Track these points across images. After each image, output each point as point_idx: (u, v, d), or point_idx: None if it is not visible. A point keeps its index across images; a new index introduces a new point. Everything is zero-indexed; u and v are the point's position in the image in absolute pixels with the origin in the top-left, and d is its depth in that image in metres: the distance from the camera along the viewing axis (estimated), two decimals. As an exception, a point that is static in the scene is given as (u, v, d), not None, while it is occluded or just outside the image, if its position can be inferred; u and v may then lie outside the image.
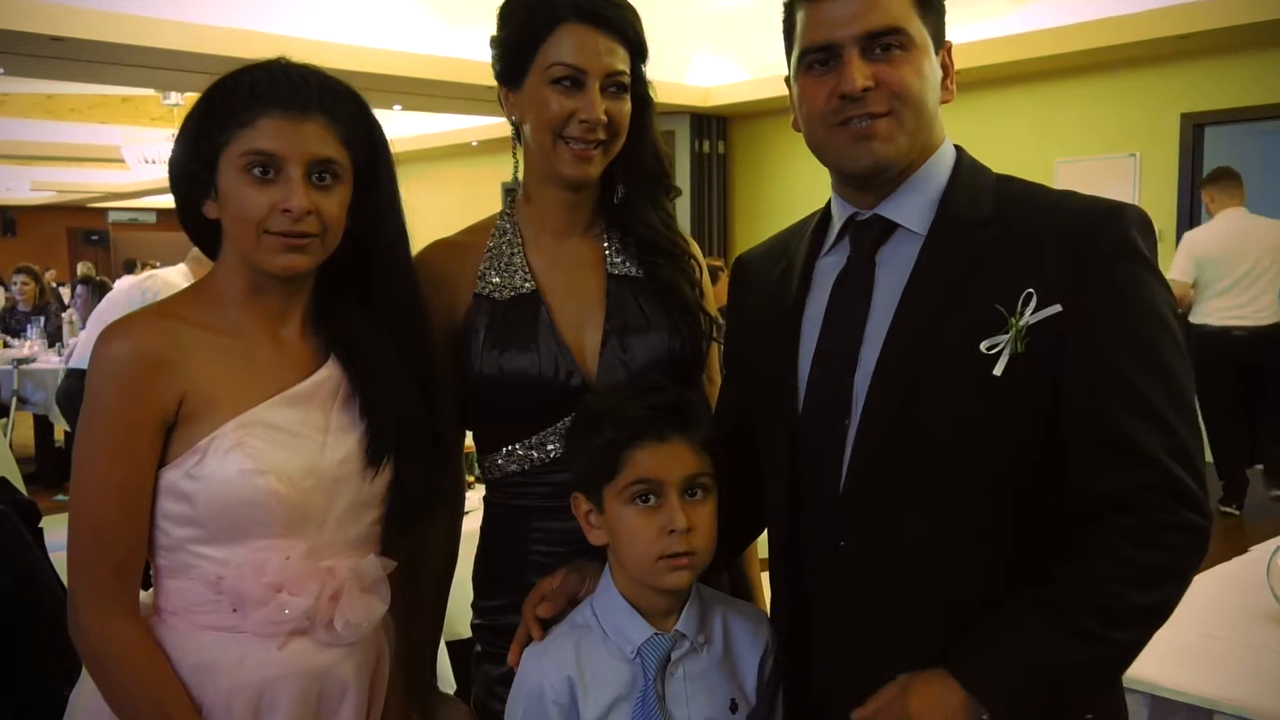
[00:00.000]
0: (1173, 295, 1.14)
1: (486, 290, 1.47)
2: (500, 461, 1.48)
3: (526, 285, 1.47)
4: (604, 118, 1.39)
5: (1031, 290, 1.09)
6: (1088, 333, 1.09)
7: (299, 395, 1.28)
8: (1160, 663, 1.87)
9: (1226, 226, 5.57)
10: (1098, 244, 1.10)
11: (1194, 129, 6.72)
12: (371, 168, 1.31)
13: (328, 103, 1.25)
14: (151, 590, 1.30)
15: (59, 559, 1.88)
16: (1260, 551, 2.45)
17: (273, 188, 1.21)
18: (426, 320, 1.42)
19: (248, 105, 1.22)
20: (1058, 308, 1.09)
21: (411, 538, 1.43)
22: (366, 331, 1.35)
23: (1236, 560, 2.48)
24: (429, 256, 1.47)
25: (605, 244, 1.51)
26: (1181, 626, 2.02)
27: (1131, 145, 6.92)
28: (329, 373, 1.32)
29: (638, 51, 1.45)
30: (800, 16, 1.19)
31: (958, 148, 1.25)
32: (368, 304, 1.36)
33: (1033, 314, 1.09)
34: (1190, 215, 6.79)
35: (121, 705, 1.21)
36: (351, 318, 1.35)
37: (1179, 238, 6.76)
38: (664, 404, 1.22)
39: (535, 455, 1.45)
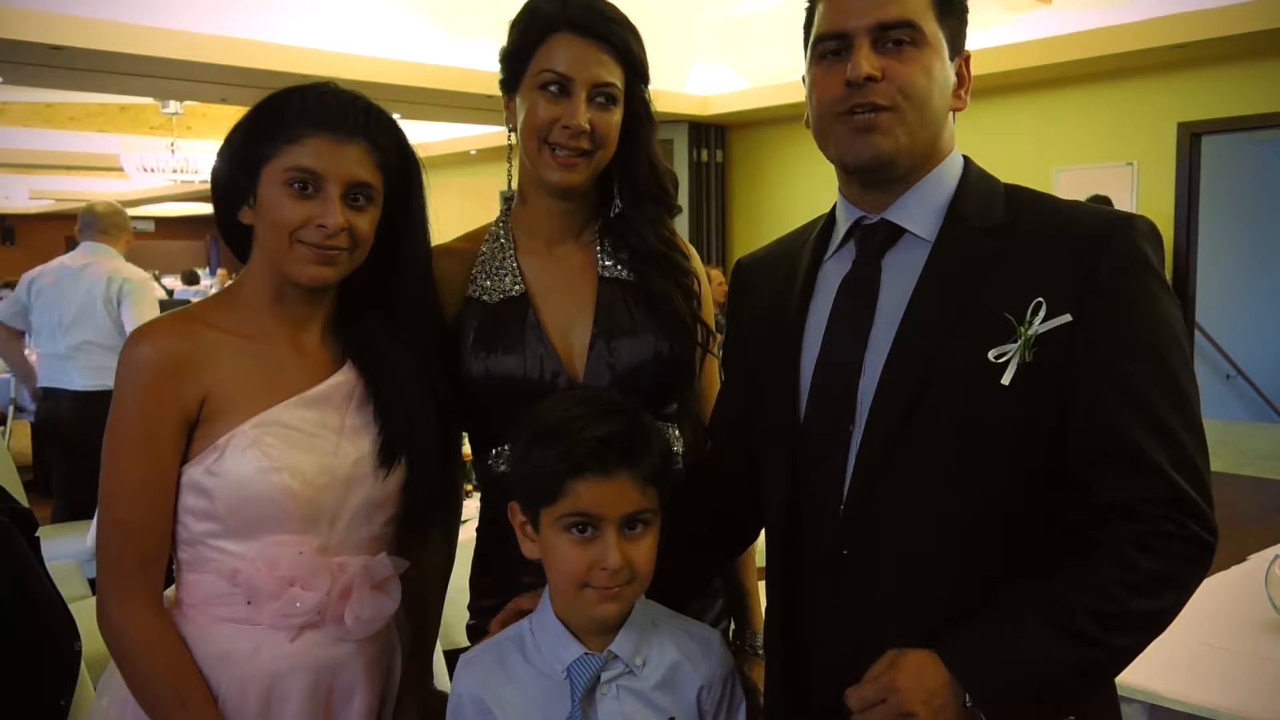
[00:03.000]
0: (1179, 308, 1.14)
1: (477, 294, 1.49)
2: (490, 463, 1.50)
3: (516, 288, 1.49)
4: (587, 126, 1.41)
5: (1041, 299, 1.09)
6: (1097, 342, 1.09)
7: (315, 398, 1.33)
8: (1159, 671, 1.87)
9: None
10: (1107, 254, 1.10)
11: (1191, 138, 6.73)
12: (404, 192, 1.38)
13: (371, 129, 1.32)
14: (174, 585, 1.35)
15: (55, 569, 1.87)
16: (1259, 560, 2.46)
17: (311, 203, 1.28)
18: (442, 326, 1.46)
19: (297, 123, 1.28)
20: (1067, 317, 1.08)
21: (422, 539, 1.46)
22: (385, 340, 1.39)
23: (1235, 569, 2.48)
24: None
25: (599, 249, 1.52)
26: (1180, 635, 2.02)
27: (1129, 154, 6.94)
28: (345, 377, 1.37)
29: (633, 68, 1.46)
30: (820, 7, 1.20)
31: (966, 158, 1.25)
32: (388, 314, 1.41)
33: (1042, 323, 1.09)
34: (1188, 223, 6.80)
35: (143, 692, 1.26)
36: (371, 326, 1.40)
37: (1175, 246, 6.78)
38: (614, 435, 1.17)
39: None
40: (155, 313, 4.46)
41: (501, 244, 1.53)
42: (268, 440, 1.27)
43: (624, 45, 1.44)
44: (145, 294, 4.54)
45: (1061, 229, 1.14)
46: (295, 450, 1.28)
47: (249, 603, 1.28)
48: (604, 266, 1.51)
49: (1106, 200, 6.41)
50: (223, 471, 1.26)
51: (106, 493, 1.28)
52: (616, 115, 1.46)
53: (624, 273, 1.51)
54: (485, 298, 1.49)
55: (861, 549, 1.16)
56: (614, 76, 1.44)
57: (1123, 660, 1.10)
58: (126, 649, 1.26)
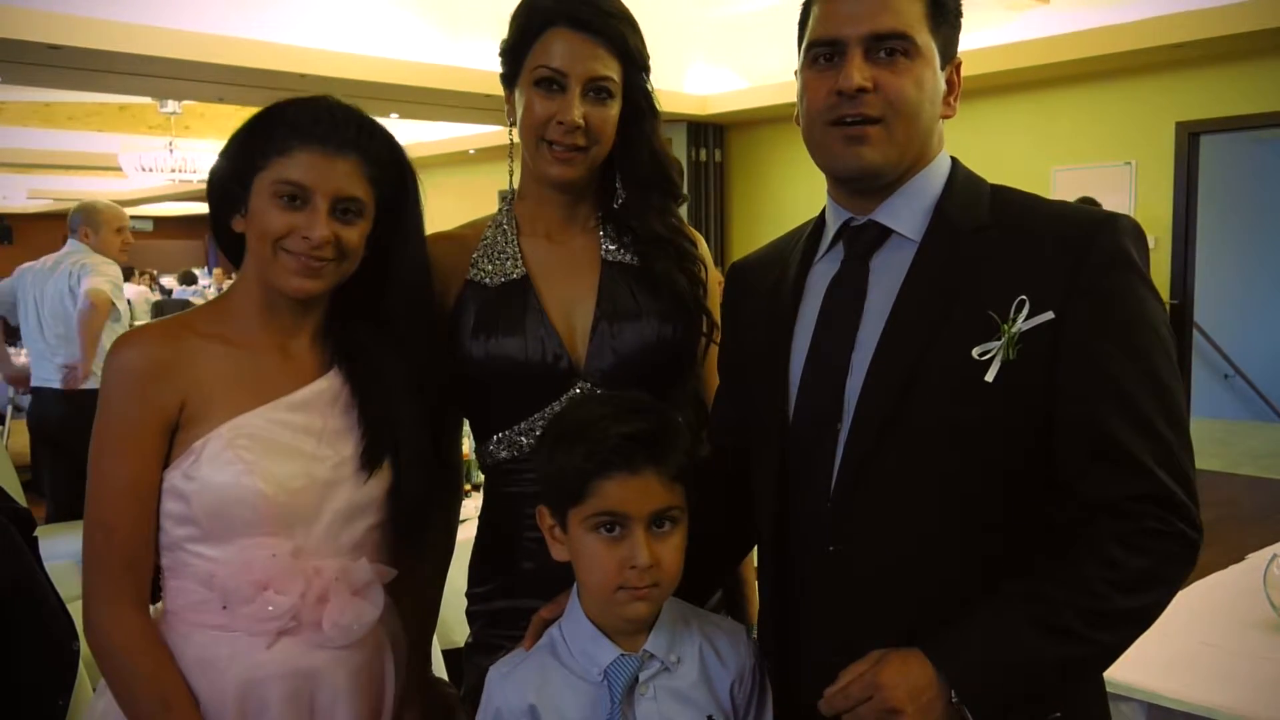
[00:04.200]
0: (1164, 307, 1.15)
1: (478, 277, 1.50)
2: (492, 448, 1.50)
3: (517, 271, 1.49)
4: (581, 122, 1.41)
5: (1024, 297, 1.10)
6: (1080, 341, 1.09)
7: (295, 402, 1.33)
8: (1157, 670, 1.87)
9: None
10: (1091, 253, 1.11)
11: (1189, 137, 6.74)
12: (399, 202, 1.38)
13: (363, 143, 1.32)
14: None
15: (54, 569, 1.87)
16: (1256, 559, 2.46)
17: (297, 214, 1.29)
18: (436, 331, 1.46)
19: (288, 135, 1.29)
20: (1050, 315, 1.09)
21: (412, 544, 1.45)
22: (375, 345, 1.39)
23: (1233, 568, 2.49)
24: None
25: (601, 234, 1.53)
26: (1178, 634, 2.02)
27: (1127, 153, 6.94)
28: (329, 383, 1.37)
29: (630, 60, 1.46)
30: (814, 10, 1.21)
31: (953, 159, 1.26)
32: (381, 323, 1.40)
33: (1025, 321, 1.10)
34: (1186, 223, 6.81)
35: (127, 697, 1.26)
36: (362, 333, 1.40)
37: (1173, 245, 6.79)
38: (640, 432, 1.17)
39: (524, 441, 1.46)
40: (110, 277, 4.57)
41: (504, 229, 1.53)
42: (242, 444, 1.27)
43: (620, 38, 1.44)
44: (99, 269, 4.59)
45: (1046, 228, 1.15)
46: (271, 454, 1.28)
47: (224, 607, 1.27)
48: (607, 250, 1.51)
49: (1094, 202, 6.40)
50: (199, 476, 1.26)
51: (91, 497, 1.28)
52: (613, 109, 1.46)
53: (627, 256, 1.51)
54: (486, 281, 1.49)
55: (849, 546, 1.17)
56: (609, 70, 1.43)
57: (1109, 657, 1.11)
58: (111, 653, 1.26)
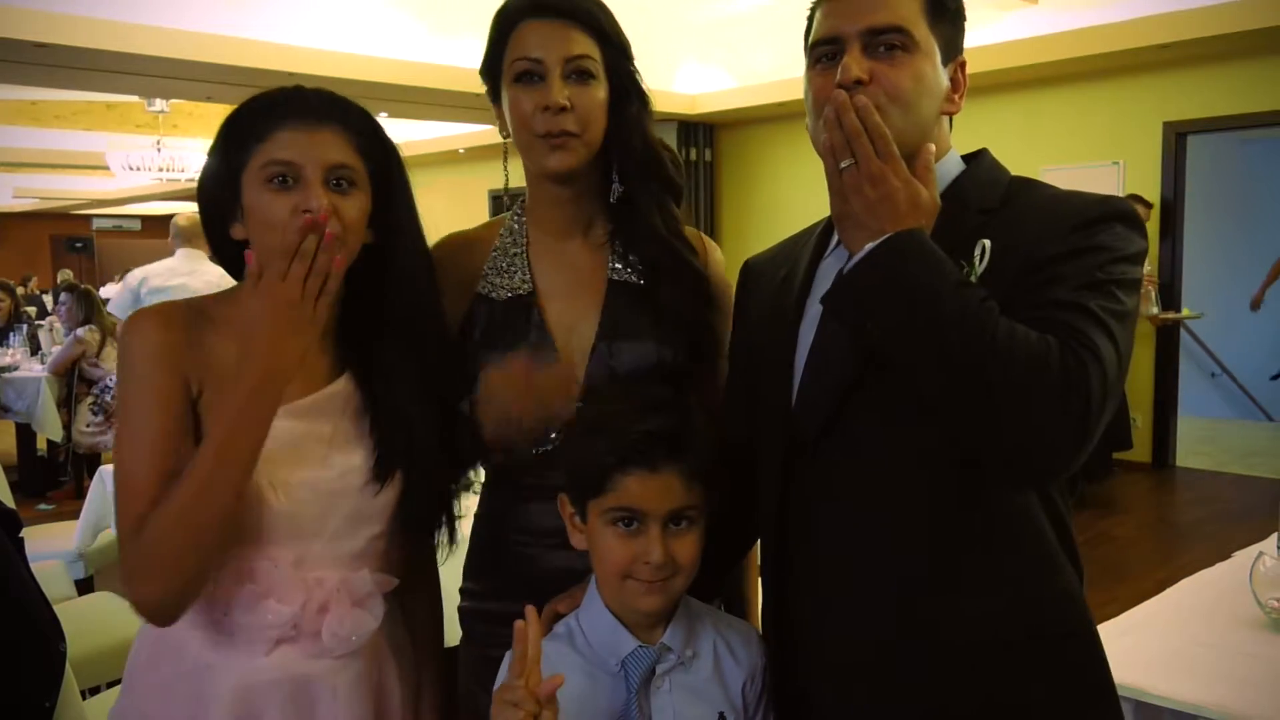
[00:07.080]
0: (1141, 271, 1.14)
1: (487, 290, 1.49)
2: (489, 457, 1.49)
3: (524, 286, 1.48)
4: (566, 103, 1.39)
5: (985, 242, 1.10)
6: (1050, 273, 1.08)
7: (303, 408, 1.30)
8: (1145, 668, 1.88)
9: None
10: (1085, 214, 1.11)
11: (1176, 137, 6.78)
12: (386, 180, 1.34)
13: (339, 114, 1.29)
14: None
15: (41, 569, 1.87)
16: (1243, 557, 2.46)
17: (293, 194, 1.24)
18: (445, 328, 1.44)
19: (265, 121, 1.26)
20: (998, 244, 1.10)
21: (424, 548, 1.44)
22: (385, 347, 1.36)
23: (1220, 565, 2.49)
24: (442, 252, 1.48)
25: (610, 252, 1.52)
26: (1166, 632, 2.03)
27: (1115, 153, 6.98)
28: (340, 388, 1.34)
29: (606, 38, 1.44)
30: (817, 15, 1.22)
31: (981, 153, 1.26)
32: (389, 323, 1.37)
33: (982, 261, 1.10)
34: (1173, 222, 6.84)
35: (197, 507, 1.15)
36: (372, 336, 1.37)
37: (1160, 244, 6.83)
38: (661, 429, 1.17)
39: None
40: None
41: (515, 239, 1.52)
42: None
43: (589, 15, 1.43)
44: None
45: (1049, 209, 1.15)
46: (278, 460, 1.25)
47: (225, 615, 1.25)
48: (614, 269, 1.50)
49: (1140, 200, 6.39)
50: None
51: (121, 463, 1.22)
52: (598, 90, 1.44)
53: (633, 276, 1.50)
54: (494, 294, 1.49)
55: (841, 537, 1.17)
56: (585, 48, 1.42)
57: (943, 339, 1.03)
58: (154, 594, 1.16)
